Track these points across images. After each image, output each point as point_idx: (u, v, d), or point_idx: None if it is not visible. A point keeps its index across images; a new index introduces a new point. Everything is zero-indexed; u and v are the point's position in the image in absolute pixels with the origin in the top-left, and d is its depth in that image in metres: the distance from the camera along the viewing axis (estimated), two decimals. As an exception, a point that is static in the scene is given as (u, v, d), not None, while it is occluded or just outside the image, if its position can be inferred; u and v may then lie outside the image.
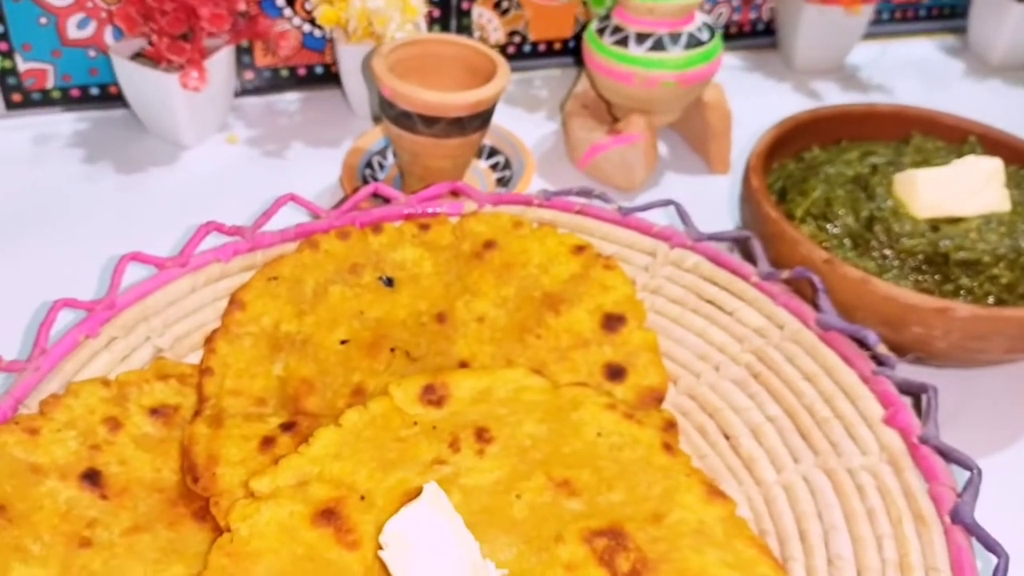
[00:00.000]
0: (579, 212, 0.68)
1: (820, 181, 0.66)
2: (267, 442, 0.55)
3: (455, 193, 0.69)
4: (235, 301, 0.61)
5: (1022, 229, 0.62)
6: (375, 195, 0.69)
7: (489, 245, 0.66)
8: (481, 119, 0.73)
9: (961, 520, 0.48)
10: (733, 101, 0.85)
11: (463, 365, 0.61)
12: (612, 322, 0.62)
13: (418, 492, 0.50)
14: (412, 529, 0.46)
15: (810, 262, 0.60)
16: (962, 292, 0.60)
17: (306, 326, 0.61)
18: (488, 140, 0.84)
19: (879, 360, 0.56)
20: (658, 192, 0.83)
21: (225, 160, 0.85)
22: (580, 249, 0.66)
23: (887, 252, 0.62)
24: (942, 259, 0.60)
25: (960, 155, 0.70)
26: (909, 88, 1.02)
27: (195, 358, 0.60)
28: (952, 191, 0.63)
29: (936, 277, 0.61)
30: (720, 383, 0.60)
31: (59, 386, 0.54)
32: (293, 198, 0.66)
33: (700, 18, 0.79)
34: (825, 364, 0.57)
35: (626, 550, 0.49)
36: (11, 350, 0.65)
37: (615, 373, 0.60)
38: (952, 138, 0.73)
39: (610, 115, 0.85)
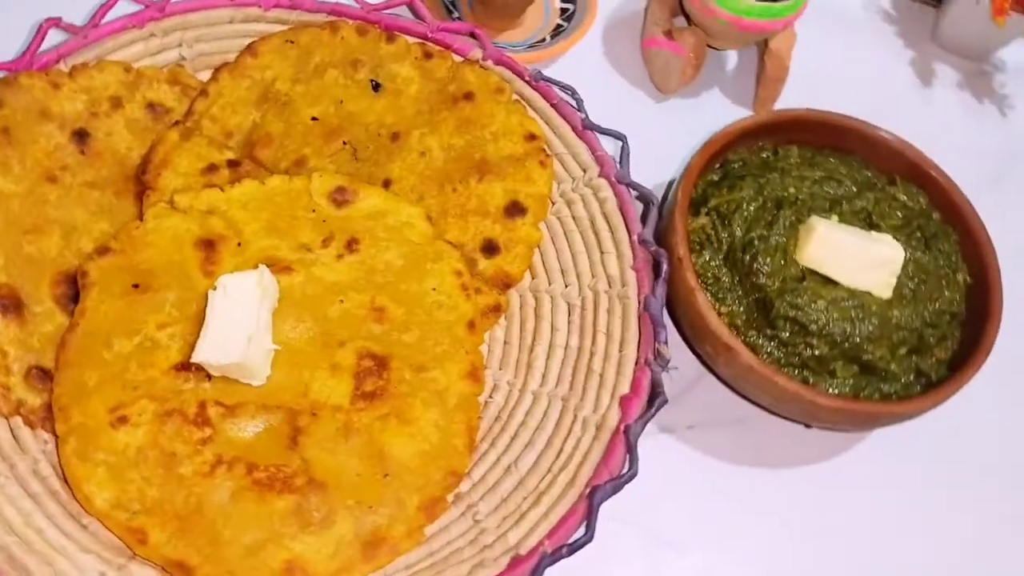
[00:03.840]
0: (554, 105, 0.76)
1: (752, 186, 0.71)
2: (212, 168, 0.72)
3: (474, 35, 0.78)
4: (251, 47, 0.75)
5: (875, 322, 0.67)
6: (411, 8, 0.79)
7: (468, 96, 0.76)
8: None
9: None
10: (849, 43, 0.90)
11: (387, 183, 0.74)
12: (514, 210, 0.73)
13: (280, 259, 0.68)
14: (236, 288, 0.63)
15: (672, 251, 0.68)
16: (775, 341, 0.67)
17: (295, 92, 0.75)
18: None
19: (658, 354, 0.66)
20: (688, 104, 0.88)
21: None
22: (532, 137, 0.75)
23: (737, 281, 0.68)
24: (771, 307, 0.67)
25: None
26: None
27: (206, 76, 0.75)
28: (841, 257, 0.67)
29: (764, 319, 0.67)
30: (558, 299, 0.72)
31: (96, 56, 0.72)
32: (336, -21, 0.77)
33: (794, -29, 0.78)
34: (625, 320, 0.68)
35: (378, 378, 0.65)
36: (79, 18, 0.79)
37: (490, 248, 0.72)
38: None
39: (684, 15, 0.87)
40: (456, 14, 0.86)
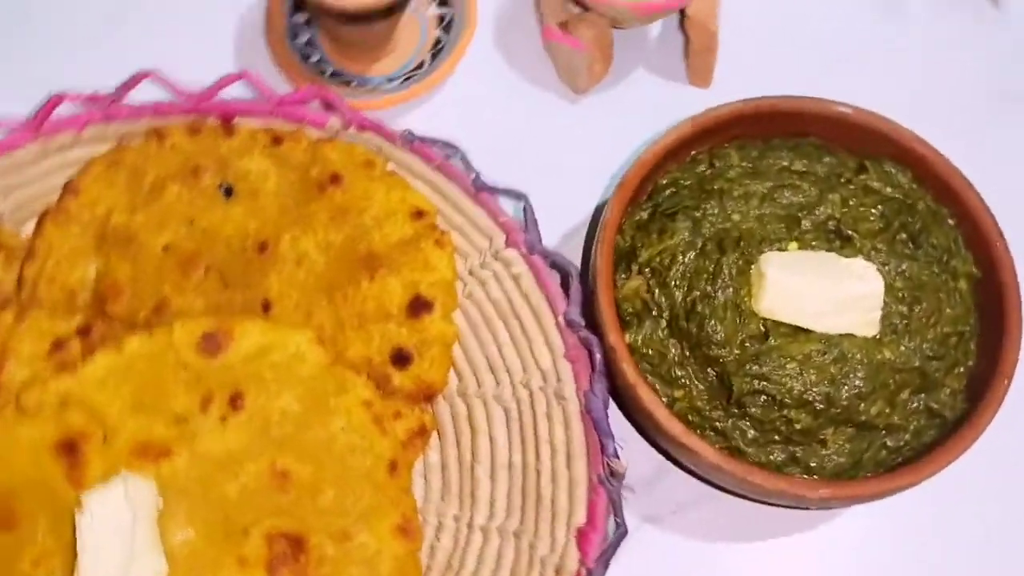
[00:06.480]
0: (438, 167, 0.63)
1: (686, 225, 0.58)
2: (58, 345, 0.61)
3: (327, 102, 0.65)
4: (70, 185, 0.63)
5: (861, 374, 0.54)
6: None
7: (335, 179, 0.64)
8: (378, 13, 0.65)
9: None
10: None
11: (266, 305, 0.63)
12: (419, 306, 0.61)
13: (155, 443, 0.58)
14: (101, 508, 0.54)
15: (604, 333, 0.56)
16: (747, 419, 0.55)
17: (135, 223, 0.64)
18: (446, -19, 0.74)
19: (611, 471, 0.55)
20: (611, 100, 0.73)
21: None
22: (420, 214, 0.63)
23: (688, 353, 0.56)
24: (730, 383, 0.55)
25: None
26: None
27: (33, 226, 0.64)
28: (806, 300, 0.54)
29: (728, 397, 0.55)
30: (491, 404, 0.61)
31: None
32: (150, 75, 0.64)
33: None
34: (568, 427, 0.57)
35: (295, 563, 0.56)
36: None
37: (401, 359, 0.61)
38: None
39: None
40: (316, 57, 0.72)
